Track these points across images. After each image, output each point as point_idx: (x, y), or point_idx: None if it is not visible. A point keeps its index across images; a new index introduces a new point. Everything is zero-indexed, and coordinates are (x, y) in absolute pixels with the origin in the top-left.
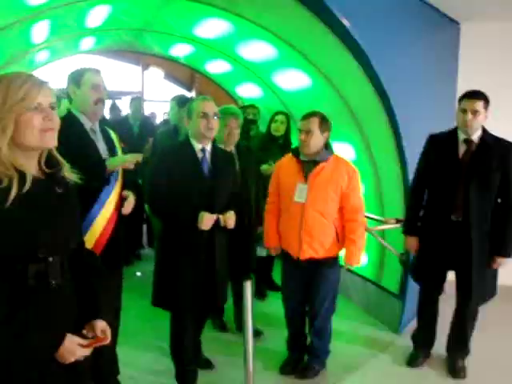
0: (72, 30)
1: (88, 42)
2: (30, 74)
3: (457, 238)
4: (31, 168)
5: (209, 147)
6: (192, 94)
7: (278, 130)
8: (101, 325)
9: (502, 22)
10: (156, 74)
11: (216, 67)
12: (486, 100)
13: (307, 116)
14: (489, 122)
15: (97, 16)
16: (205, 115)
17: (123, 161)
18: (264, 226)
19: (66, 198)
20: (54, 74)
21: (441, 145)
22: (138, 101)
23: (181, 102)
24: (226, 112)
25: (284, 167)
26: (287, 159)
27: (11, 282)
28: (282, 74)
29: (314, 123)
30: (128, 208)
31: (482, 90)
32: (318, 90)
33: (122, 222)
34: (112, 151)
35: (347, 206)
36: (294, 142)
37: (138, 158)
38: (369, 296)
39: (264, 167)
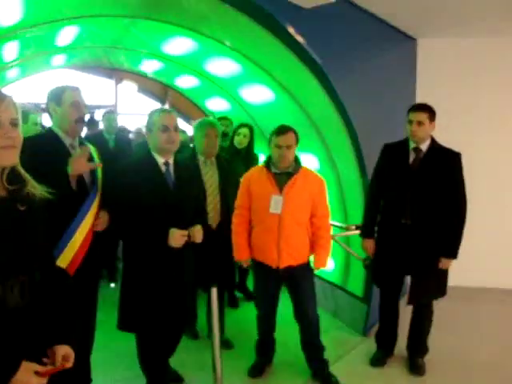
0: (42, 49)
1: (59, 59)
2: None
3: (407, 242)
4: None
5: (171, 160)
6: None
7: (241, 142)
8: (62, 350)
9: (457, 37)
10: (129, 87)
11: (185, 82)
12: (431, 112)
13: (285, 131)
14: (445, 131)
15: (66, 36)
16: (165, 128)
17: (75, 159)
18: (233, 240)
19: (29, 215)
20: (26, 88)
21: (393, 153)
22: (111, 114)
23: None
24: (204, 123)
25: (255, 180)
26: (256, 172)
27: None
28: (248, 88)
29: (293, 138)
30: (102, 225)
31: (440, 101)
32: (282, 103)
33: (98, 236)
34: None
35: (317, 213)
36: (258, 153)
37: (86, 149)
38: (336, 300)
39: None
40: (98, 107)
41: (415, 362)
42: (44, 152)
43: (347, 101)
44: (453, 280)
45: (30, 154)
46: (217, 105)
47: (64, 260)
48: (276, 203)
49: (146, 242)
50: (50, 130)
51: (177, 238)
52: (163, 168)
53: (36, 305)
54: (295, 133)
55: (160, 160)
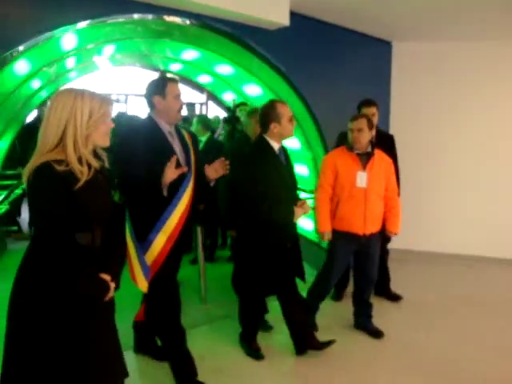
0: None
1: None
2: (97, 93)
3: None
4: (95, 162)
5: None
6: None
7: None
8: (106, 277)
9: (431, 42)
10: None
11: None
12: (368, 120)
13: (356, 117)
14: (418, 129)
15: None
16: (290, 119)
17: (166, 170)
18: (316, 213)
19: (105, 182)
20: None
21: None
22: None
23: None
24: (255, 110)
25: (340, 160)
26: (338, 153)
27: (70, 244)
28: (247, 86)
29: (364, 123)
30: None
31: (413, 101)
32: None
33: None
34: (186, 149)
35: (389, 187)
36: None
37: (173, 159)
38: (316, 256)
39: None
40: None
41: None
42: (144, 138)
43: (315, 105)
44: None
45: (132, 140)
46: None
47: (164, 234)
48: (361, 178)
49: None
50: (150, 118)
51: (299, 213)
52: (278, 153)
53: (105, 246)
54: (368, 119)
55: (276, 146)
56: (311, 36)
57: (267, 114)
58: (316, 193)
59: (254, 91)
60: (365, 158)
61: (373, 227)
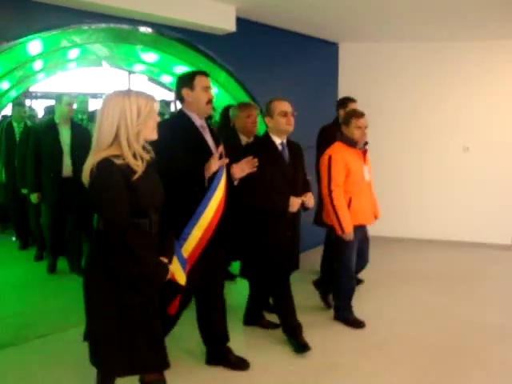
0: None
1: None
2: (143, 92)
3: None
4: (146, 155)
5: (285, 140)
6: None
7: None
8: (164, 259)
9: (375, 42)
10: (140, 78)
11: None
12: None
13: (363, 114)
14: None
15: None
16: (285, 114)
17: (211, 162)
18: (340, 214)
19: (155, 174)
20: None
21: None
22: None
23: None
24: (246, 104)
25: (349, 157)
26: (343, 150)
27: (136, 229)
28: None
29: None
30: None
31: (358, 97)
32: (222, 97)
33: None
34: (217, 142)
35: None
36: None
37: (220, 149)
38: None
39: None
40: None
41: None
42: (179, 132)
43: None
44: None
45: (166, 134)
46: None
47: (200, 228)
48: (366, 172)
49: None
50: (181, 112)
51: (295, 204)
52: (280, 147)
53: (161, 232)
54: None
55: (277, 141)
56: (260, 40)
57: (265, 110)
58: (333, 194)
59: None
60: (362, 154)
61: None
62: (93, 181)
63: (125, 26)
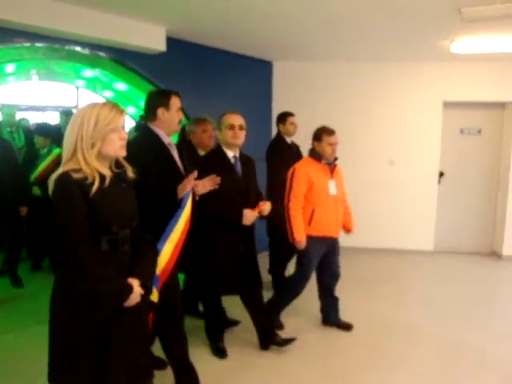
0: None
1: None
2: (114, 103)
3: None
4: (107, 170)
5: (237, 154)
6: None
7: None
8: (134, 281)
9: (307, 61)
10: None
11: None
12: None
13: (333, 132)
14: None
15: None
16: (232, 127)
17: (185, 184)
18: (293, 223)
19: (128, 190)
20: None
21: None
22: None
23: None
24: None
25: (313, 171)
26: (308, 164)
27: (94, 247)
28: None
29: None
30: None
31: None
32: None
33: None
34: (181, 158)
35: (343, 191)
36: None
37: (194, 174)
38: None
39: None
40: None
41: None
42: (146, 148)
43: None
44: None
45: (137, 151)
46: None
47: (171, 242)
48: (332, 186)
49: (227, 221)
50: (148, 128)
51: (249, 217)
52: (233, 160)
53: (133, 251)
54: None
55: (230, 154)
56: (193, 59)
57: (217, 123)
58: (290, 204)
59: None
60: (330, 168)
61: (340, 228)
62: (52, 196)
63: (59, 46)
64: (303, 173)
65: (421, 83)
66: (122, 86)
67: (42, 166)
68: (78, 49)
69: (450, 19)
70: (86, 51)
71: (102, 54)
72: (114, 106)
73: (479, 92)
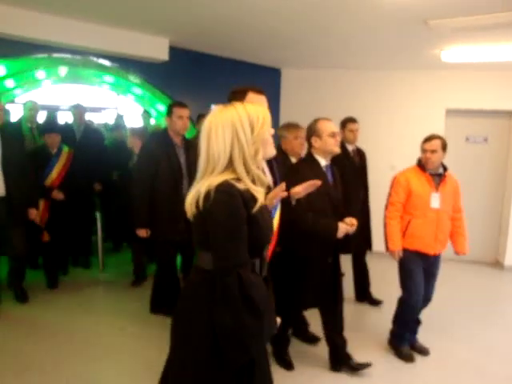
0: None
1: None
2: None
3: None
4: (267, 180)
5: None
6: None
7: None
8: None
9: (314, 68)
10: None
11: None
12: (442, 141)
13: (430, 138)
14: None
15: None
16: (334, 135)
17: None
18: (387, 232)
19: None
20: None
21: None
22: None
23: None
24: (293, 125)
25: (414, 180)
26: (412, 172)
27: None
28: (158, 104)
29: (437, 144)
30: None
31: (298, 120)
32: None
33: None
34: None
35: (456, 207)
36: None
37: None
38: None
39: None
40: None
41: None
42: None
43: None
44: None
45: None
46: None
47: None
48: (435, 200)
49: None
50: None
51: (343, 230)
52: (324, 169)
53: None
54: (443, 141)
55: (323, 162)
56: (198, 67)
57: (308, 129)
58: (387, 211)
59: (162, 108)
60: (437, 179)
61: (441, 247)
62: (211, 206)
63: (78, 58)
64: (403, 181)
65: (423, 91)
66: (137, 90)
67: (58, 168)
68: (93, 58)
69: (436, 29)
70: (96, 61)
71: (108, 63)
72: (262, 107)
73: (483, 100)
